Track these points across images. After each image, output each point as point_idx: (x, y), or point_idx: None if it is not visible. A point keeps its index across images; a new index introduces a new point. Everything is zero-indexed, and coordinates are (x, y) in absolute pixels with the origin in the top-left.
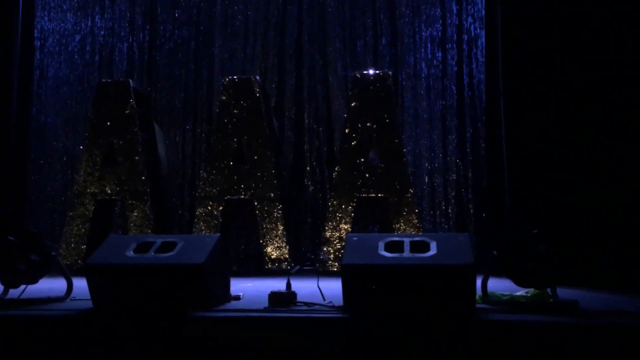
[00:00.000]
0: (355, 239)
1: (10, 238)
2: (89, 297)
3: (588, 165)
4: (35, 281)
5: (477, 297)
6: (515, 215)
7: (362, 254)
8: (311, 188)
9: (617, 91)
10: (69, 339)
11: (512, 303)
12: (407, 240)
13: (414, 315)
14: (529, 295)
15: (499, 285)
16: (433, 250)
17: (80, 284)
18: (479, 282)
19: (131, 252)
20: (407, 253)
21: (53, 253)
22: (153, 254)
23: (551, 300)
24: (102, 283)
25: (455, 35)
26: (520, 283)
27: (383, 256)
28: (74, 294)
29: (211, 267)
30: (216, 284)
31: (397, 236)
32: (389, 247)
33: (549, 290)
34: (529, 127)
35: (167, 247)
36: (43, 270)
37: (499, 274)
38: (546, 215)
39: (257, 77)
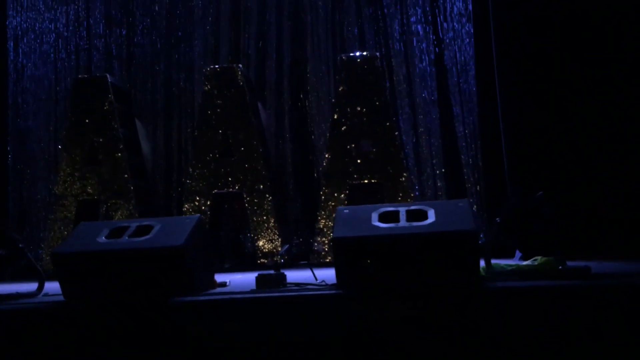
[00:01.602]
0: (346, 211)
1: None
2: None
3: (594, 130)
4: (3, 276)
5: (480, 269)
6: (516, 185)
7: (354, 226)
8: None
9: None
10: (40, 333)
11: (518, 272)
12: (402, 209)
13: (414, 288)
14: (536, 264)
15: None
16: (431, 218)
17: (57, 285)
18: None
19: (103, 238)
20: (403, 223)
21: (20, 245)
22: (127, 238)
23: (560, 267)
24: (72, 273)
25: (443, 14)
26: (526, 249)
27: (377, 227)
28: (48, 292)
29: (192, 249)
30: (198, 268)
31: (392, 206)
32: (383, 217)
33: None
34: (526, 92)
35: (143, 230)
36: (12, 264)
37: (502, 244)
38: (551, 186)
39: (240, 66)
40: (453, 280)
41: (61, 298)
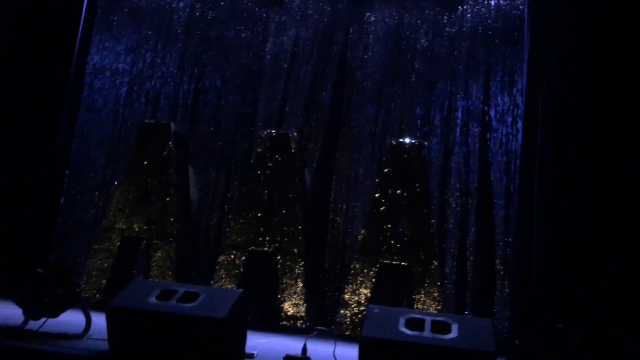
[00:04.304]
0: (376, 310)
1: (39, 270)
2: (105, 337)
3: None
4: (56, 315)
5: None
6: (542, 303)
7: (382, 327)
8: (336, 247)
9: None
10: None
11: None
12: (428, 319)
13: None
14: None
15: None
16: (454, 333)
17: (97, 320)
18: None
19: (154, 298)
20: (427, 332)
21: (78, 290)
22: (175, 302)
23: None
24: (122, 326)
25: (491, 110)
26: None
27: (403, 332)
28: (91, 332)
29: (231, 322)
30: (235, 339)
31: (419, 313)
32: (410, 323)
33: None
34: (564, 205)
35: (190, 297)
36: (66, 306)
37: None
38: (579, 305)
39: (295, 134)
40: None
41: (105, 344)
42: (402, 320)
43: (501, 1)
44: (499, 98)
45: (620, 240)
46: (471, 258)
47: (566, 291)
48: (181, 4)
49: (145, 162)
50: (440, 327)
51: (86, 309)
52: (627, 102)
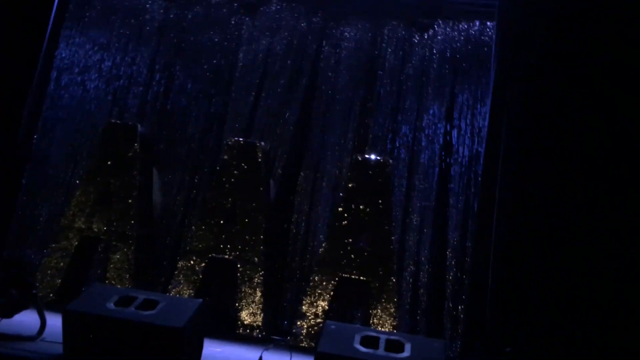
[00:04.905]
0: (333, 327)
1: None
2: (59, 341)
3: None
4: (10, 316)
5: None
6: (495, 325)
7: (338, 344)
8: (296, 258)
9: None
10: None
11: None
12: (383, 337)
13: None
14: None
15: None
16: (407, 352)
17: (51, 321)
18: None
19: (112, 304)
20: (381, 350)
21: (34, 291)
22: (133, 309)
23: None
24: (78, 331)
25: (455, 133)
26: None
27: (357, 350)
28: (45, 334)
29: (189, 332)
30: (190, 349)
31: (374, 332)
32: (365, 341)
33: None
34: (523, 228)
35: (149, 304)
36: (21, 307)
37: None
38: (532, 328)
39: (262, 143)
40: None
41: (59, 347)
42: (357, 338)
43: (471, 26)
44: (462, 119)
45: (579, 263)
46: (425, 276)
47: (520, 314)
48: (155, 5)
49: (109, 162)
50: (394, 346)
51: (42, 311)
52: (589, 125)
